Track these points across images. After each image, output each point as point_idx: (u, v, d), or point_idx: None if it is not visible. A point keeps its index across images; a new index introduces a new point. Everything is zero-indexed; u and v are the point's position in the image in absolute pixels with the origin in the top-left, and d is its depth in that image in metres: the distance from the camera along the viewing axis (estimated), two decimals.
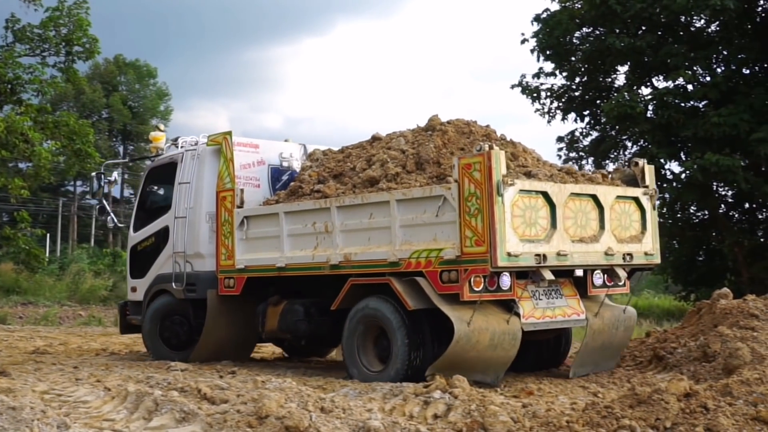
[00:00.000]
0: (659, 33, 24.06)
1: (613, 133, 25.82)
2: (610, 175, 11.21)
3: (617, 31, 23.97)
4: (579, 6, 25.33)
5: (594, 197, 10.43)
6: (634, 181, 11.13)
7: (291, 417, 6.86)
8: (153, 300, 13.55)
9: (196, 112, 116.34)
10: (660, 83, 25.13)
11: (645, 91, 25.09)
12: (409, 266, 10.11)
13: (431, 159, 10.71)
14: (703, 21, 24.86)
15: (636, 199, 10.93)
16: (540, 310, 10.28)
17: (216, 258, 12.55)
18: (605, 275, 10.73)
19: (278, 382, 9.42)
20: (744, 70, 24.43)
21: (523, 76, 26.24)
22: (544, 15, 26.07)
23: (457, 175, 9.71)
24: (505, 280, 9.77)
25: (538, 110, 26.35)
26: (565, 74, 26.25)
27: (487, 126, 11.41)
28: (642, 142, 25.45)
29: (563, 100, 26.89)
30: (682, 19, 24.19)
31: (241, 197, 12.32)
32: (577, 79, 26.18)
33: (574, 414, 7.30)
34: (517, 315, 10.06)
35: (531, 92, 26.14)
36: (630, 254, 10.67)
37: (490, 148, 9.50)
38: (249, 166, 12.68)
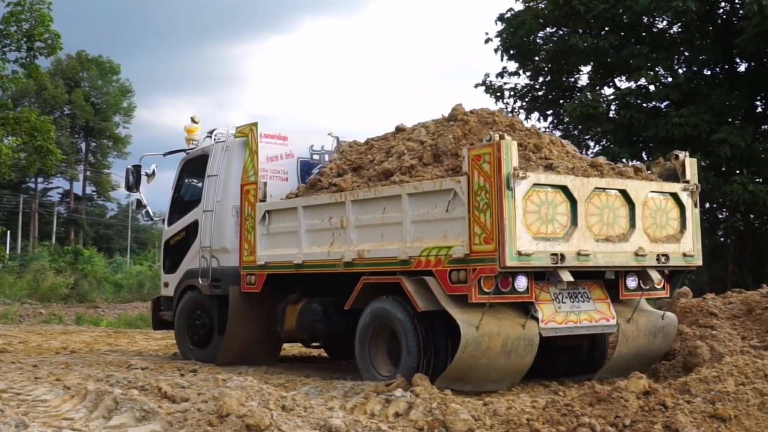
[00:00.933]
0: (622, 34, 24.32)
1: (575, 132, 25.99)
2: (648, 169, 10.52)
3: (580, 31, 24.18)
4: (542, 6, 25.57)
5: (623, 192, 9.83)
6: (674, 175, 10.47)
7: (252, 415, 6.94)
8: (182, 296, 13.57)
9: (161, 109, 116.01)
10: (622, 83, 25.50)
11: (607, 91, 25.50)
12: (419, 264, 9.72)
13: (449, 151, 10.28)
14: (665, 22, 25.09)
15: (674, 195, 10.26)
16: (563, 314, 9.65)
17: (239, 253, 12.41)
18: (639, 278, 10.07)
19: (239, 380, 9.42)
20: (705, 72, 24.69)
21: (487, 75, 26.57)
22: (508, 15, 26.33)
23: (467, 167, 9.31)
24: (521, 281, 9.23)
25: (501, 109, 26.29)
26: (528, 74, 26.53)
27: (513, 116, 11.12)
28: (604, 142, 25.64)
29: (527, 99, 27.17)
30: (645, 20, 24.41)
31: (264, 191, 12.14)
32: (541, 79, 26.42)
33: (534, 412, 7.56)
34: (535, 319, 9.48)
35: (495, 91, 26.32)
36: (666, 255, 9.99)
37: (501, 137, 9.05)
38: (276, 159, 12.44)
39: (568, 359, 10.71)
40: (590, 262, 9.42)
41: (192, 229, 13.48)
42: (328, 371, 12.06)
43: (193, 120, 14.06)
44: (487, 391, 9.19)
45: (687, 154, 10.45)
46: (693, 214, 10.28)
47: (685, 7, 22.04)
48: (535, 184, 9.12)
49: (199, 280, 12.96)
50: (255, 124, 12.47)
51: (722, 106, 22.77)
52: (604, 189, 9.64)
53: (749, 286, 15.85)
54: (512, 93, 27.10)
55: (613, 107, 24.38)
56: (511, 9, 26.71)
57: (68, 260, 41.24)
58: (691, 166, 10.41)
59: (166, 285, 14.16)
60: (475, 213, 9.09)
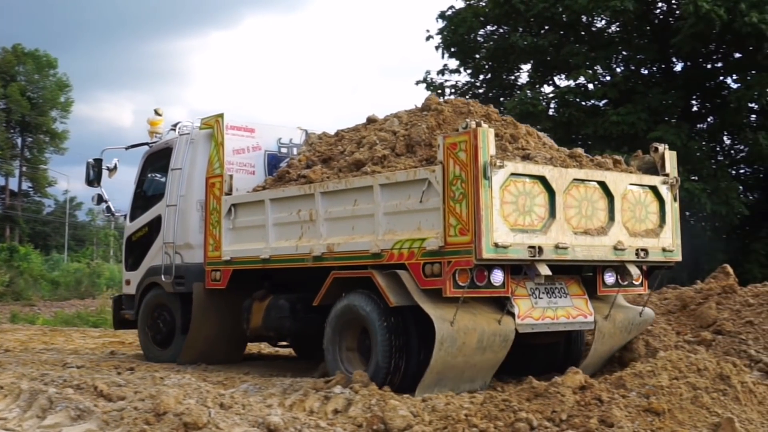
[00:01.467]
0: (561, 33, 24.25)
1: None
2: (628, 162, 10.11)
3: (520, 29, 24.22)
4: (483, 4, 25.48)
5: (602, 184, 9.29)
6: (654, 169, 9.98)
7: (189, 413, 6.69)
8: (145, 294, 12.88)
9: (100, 104, 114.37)
10: (561, 82, 25.22)
11: (547, 89, 25.41)
12: (392, 258, 9.10)
13: (423, 141, 9.70)
14: (603, 22, 25.03)
15: (654, 189, 9.76)
16: (539, 310, 9.15)
17: (204, 249, 11.73)
18: (617, 273, 9.62)
19: (177, 378, 9.25)
20: (642, 71, 24.75)
21: (428, 72, 26.42)
22: (449, 12, 26.22)
23: (442, 155, 8.70)
24: (497, 275, 8.67)
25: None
26: (469, 71, 26.39)
27: (489, 106, 10.42)
28: None
29: (467, 97, 26.82)
30: (584, 19, 24.46)
31: (230, 184, 11.49)
32: (481, 77, 26.32)
33: (472, 407, 7.32)
34: (511, 314, 8.94)
35: (435, 89, 26.22)
36: (645, 250, 9.48)
37: (478, 125, 8.46)
38: (242, 152, 11.85)
39: (545, 357, 10.20)
40: (568, 255, 8.87)
41: (155, 225, 12.78)
42: (271, 368, 11.51)
43: (156, 112, 13.44)
44: (463, 392, 8.60)
45: (666, 146, 9.98)
46: (673, 208, 9.82)
47: (623, 6, 22.13)
48: (512, 174, 8.56)
49: (162, 277, 12.25)
50: (221, 116, 11.83)
51: (659, 105, 22.61)
52: (582, 180, 9.12)
53: (684, 282, 16.15)
54: (453, 90, 27.12)
55: (552, 105, 24.56)
56: (452, 7, 26.40)
57: (3, 257, 39.55)
58: (670, 159, 9.93)
59: (128, 283, 13.40)
60: (450, 203, 8.53)
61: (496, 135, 8.92)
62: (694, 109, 24.52)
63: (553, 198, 8.84)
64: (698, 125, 24.14)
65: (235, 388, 9.21)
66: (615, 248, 9.24)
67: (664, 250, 9.69)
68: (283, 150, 12.22)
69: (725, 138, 23.45)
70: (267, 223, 10.68)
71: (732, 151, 24.00)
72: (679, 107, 22.73)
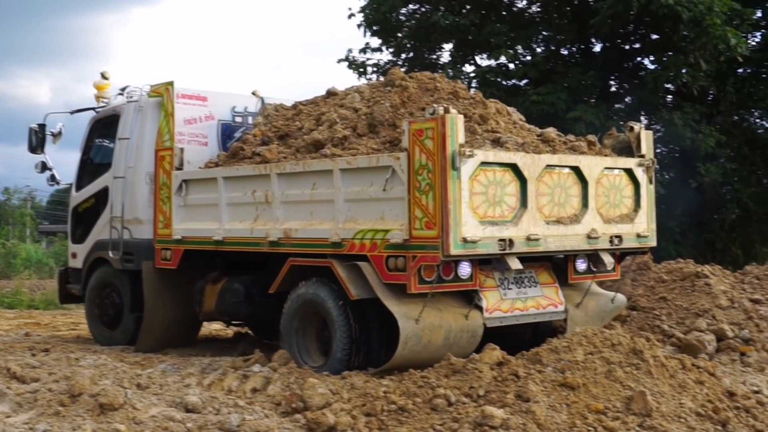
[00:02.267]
0: (483, 12, 24.16)
1: None
2: (600, 142, 9.34)
3: (442, 9, 24.22)
4: None
5: (576, 170, 8.47)
6: (628, 149, 9.19)
7: (105, 394, 6.41)
8: (92, 269, 11.89)
9: (16, 80, 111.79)
10: (483, 61, 24.60)
11: (468, 68, 25.34)
12: (353, 248, 8.19)
13: (386, 120, 8.76)
14: (524, 2, 24.67)
15: (629, 171, 8.98)
16: (508, 302, 8.46)
17: (153, 226, 10.74)
18: (589, 260, 8.90)
19: (93, 359, 8.98)
20: (562, 51, 24.27)
21: (350, 50, 26.06)
22: None
23: (408, 142, 7.75)
24: (465, 268, 7.93)
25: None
26: (391, 50, 26.13)
27: (457, 82, 9.66)
28: None
29: None
30: None
31: (181, 157, 10.46)
32: (404, 56, 25.97)
33: (391, 384, 7.07)
34: (479, 308, 8.21)
35: (357, 67, 26.08)
36: (619, 236, 8.79)
37: (446, 111, 7.54)
38: (194, 121, 10.86)
39: (509, 345, 8.87)
40: (540, 247, 8.13)
41: (102, 197, 11.75)
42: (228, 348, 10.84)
43: (103, 76, 12.38)
44: None
45: (642, 126, 9.29)
46: (648, 191, 9.11)
47: None
48: (482, 163, 7.73)
49: (110, 252, 11.26)
50: (171, 83, 10.73)
51: (578, 85, 21.72)
52: (556, 166, 8.31)
53: None
54: (375, 69, 27.05)
55: (474, 84, 24.68)
56: None
57: None
58: (647, 139, 9.18)
59: (74, 256, 12.43)
60: (415, 194, 7.68)
61: (465, 116, 8.07)
62: (613, 89, 24.31)
63: (525, 186, 8.08)
64: (616, 105, 24.07)
65: (152, 368, 8.81)
66: (588, 236, 8.52)
67: (638, 236, 9.03)
68: (238, 119, 11.23)
69: (642, 118, 23.53)
70: (220, 202, 9.73)
71: (643, 125, 24.49)
72: (598, 87, 22.62)
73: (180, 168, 10.41)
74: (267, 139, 9.83)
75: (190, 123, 10.78)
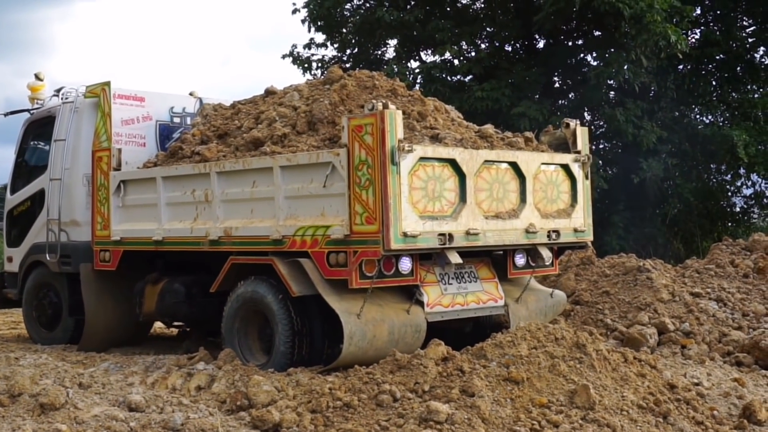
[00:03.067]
0: (427, 8, 24.32)
1: None
2: (537, 139, 9.43)
3: (387, 4, 24.21)
4: None
5: (514, 165, 8.58)
6: (565, 146, 9.32)
7: (46, 394, 6.39)
8: (29, 273, 11.72)
9: None
10: (428, 57, 24.82)
11: (413, 64, 25.43)
12: (294, 245, 8.20)
13: (326, 118, 8.81)
14: None
15: (565, 167, 9.12)
16: (449, 297, 8.52)
17: (91, 227, 10.61)
18: (528, 255, 9.02)
19: (33, 358, 8.83)
20: (506, 47, 24.75)
21: (294, 46, 26.03)
22: None
23: (347, 138, 7.80)
24: (405, 264, 8.00)
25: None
26: (336, 46, 26.13)
27: (395, 80, 9.74)
28: None
29: None
30: None
31: (119, 158, 10.34)
32: (348, 51, 26.02)
33: (336, 381, 7.08)
34: (420, 303, 8.28)
35: (302, 63, 25.98)
36: (557, 231, 8.92)
37: (384, 106, 7.61)
38: (132, 122, 10.74)
39: (450, 340, 8.85)
40: (480, 241, 8.22)
41: (38, 199, 11.59)
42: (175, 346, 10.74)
43: (37, 77, 12.19)
44: None
45: (578, 122, 9.40)
46: (584, 187, 9.26)
47: None
48: (421, 158, 7.81)
49: (47, 255, 11.10)
50: (107, 84, 10.62)
51: (522, 81, 21.85)
52: (494, 161, 8.41)
53: None
54: (319, 65, 27.00)
55: (419, 80, 24.77)
56: None
57: None
58: (582, 136, 9.31)
59: (10, 260, 12.23)
60: (356, 190, 7.73)
61: (403, 113, 8.19)
62: (556, 85, 24.53)
63: (464, 181, 8.17)
64: (560, 101, 24.29)
65: (95, 367, 8.72)
66: (527, 231, 8.64)
67: (575, 230, 9.17)
68: (176, 120, 11.17)
69: (585, 114, 23.80)
70: (159, 202, 9.68)
71: (592, 127, 24.66)
72: (542, 83, 22.76)
73: (118, 169, 10.34)
74: (206, 139, 9.82)
75: (128, 123, 10.70)
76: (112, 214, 10.28)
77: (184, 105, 11.29)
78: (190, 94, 11.50)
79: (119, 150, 10.43)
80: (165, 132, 10.98)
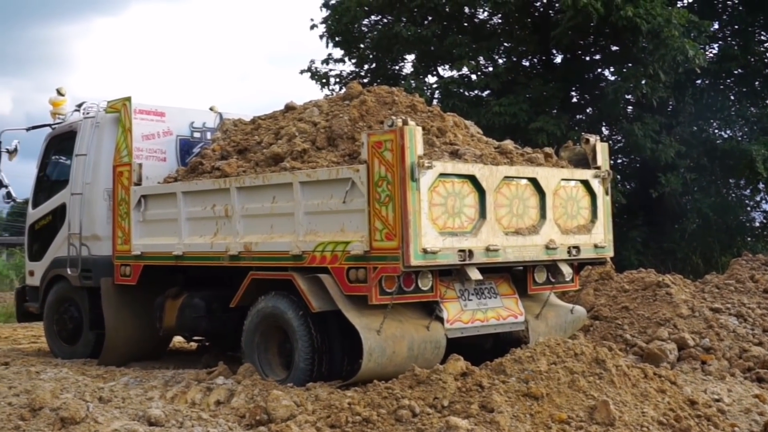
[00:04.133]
0: (444, 23, 24.31)
1: None
2: (557, 154, 9.39)
3: (404, 19, 24.33)
4: None
5: (534, 181, 8.55)
6: (584, 160, 9.27)
7: (66, 408, 6.34)
8: (50, 287, 11.75)
9: None
10: (445, 72, 24.56)
11: (431, 79, 25.43)
12: (314, 261, 8.19)
13: (345, 134, 8.82)
14: (485, 13, 25.10)
15: (585, 183, 9.09)
16: (469, 313, 8.47)
17: (112, 242, 10.63)
18: (548, 271, 8.95)
19: (54, 372, 8.88)
20: (523, 62, 24.29)
21: (312, 61, 26.12)
22: (333, 1, 25.18)
23: (367, 154, 7.80)
24: (425, 279, 8.01)
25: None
26: (353, 61, 26.08)
27: (415, 95, 9.73)
28: None
29: None
30: (466, 10, 24.71)
31: (139, 173, 10.36)
32: (366, 66, 26.10)
33: (356, 396, 7.07)
34: (440, 319, 8.22)
35: (320, 78, 26.00)
36: (577, 247, 8.86)
37: (404, 123, 7.59)
38: (152, 137, 10.75)
39: (470, 356, 8.77)
40: (500, 257, 8.18)
41: (59, 213, 11.63)
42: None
43: (59, 92, 12.27)
44: None
45: (598, 138, 9.34)
46: (604, 202, 9.20)
47: None
48: (441, 174, 7.79)
49: (68, 270, 11.14)
50: (128, 99, 10.66)
51: (539, 96, 21.80)
52: (514, 177, 8.38)
53: None
54: (337, 80, 27.04)
55: (436, 95, 24.76)
56: None
57: None
58: (602, 151, 9.26)
59: (32, 274, 12.28)
60: (375, 206, 7.70)
61: (423, 129, 8.14)
62: (574, 100, 24.49)
63: (484, 198, 8.13)
64: (578, 116, 24.24)
65: (114, 381, 8.75)
66: (547, 247, 8.58)
67: (596, 246, 9.09)
68: (196, 134, 11.17)
69: (603, 129, 23.77)
70: (179, 217, 9.68)
71: (610, 142, 24.66)
72: (559, 98, 22.75)
73: (139, 183, 10.38)
74: (226, 154, 9.85)
75: (148, 138, 10.72)
76: (133, 229, 10.31)
77: (204, 120, 11.31)
78: (210, 109, 11.52)
79: (140, 165, 10.45)
80: (185, 147, 11.00)
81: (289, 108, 10.07)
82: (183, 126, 11.10)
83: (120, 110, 10.79)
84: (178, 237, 9.71)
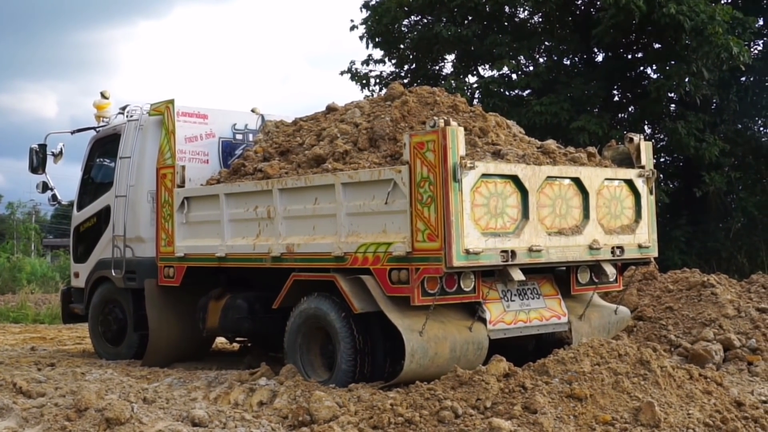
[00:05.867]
0: (485, 23, 24.05)
1: None
2: (600, 154, 9.31)
3: (444, 20, 24.25)
4: None
5: (577, 181, 8.46)
6: (628, 159, 9.18)
7: (112, 408, 6.40)
8: (95, 288, 11.87)
9: (22, 94, 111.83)
10: (486, 72, 24.23)
11: (471, 79, 25.30)
12: (356, 262, 8.18)
13: (387, 135, 8.80)
14: (526, 12, 24.52)
15: (629, 182, 8.97)
16: (512, 314, 8.42)
17: (156, 243, 10.73)
18: (592, 271, 8.89)
19: (99, 373, 8.98)
20: (564, 61, 23.89)
21: (353, 62, 26.06)
22: (373, 2, 24.98)
23: (409, 155, 7.77)
24: (468, 280, 7.99)
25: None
26: (394, 61, 25.94)
27: (456, 95, 9.66)
28: None
29: None
30: (506, 9, 24.48)
31: (182, 175, 10.45)
32: (406, 67, 25.90)
33: (398, 397, 7.04)
34: (483, 320, 8.17)
35: (360, 79, 25.70)
36: (621, 247, 8.76)
37: (446, 123, 7.55)
38: (195, 139, 10.84)
39: (513, 357, 8.70)
40: (542, 258, 8.11)
41: (104, 216, 11.78)
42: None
43: (103, 95, 12.40)
44: None
45: (642, 137, 9.24)
46: (648, 202, 9.08)
47: None
48: (483, 175, 7.73)
49: (112, 271, 11.26)
50: (171, 102, 10.74)
51: (581, 95, 21.65)
52: (556, 178, 8.30)
53: None
54: (378, 81, 27.01)
55: (476, 95, 24.67)
56: None
57: None
58: (646, 150, 9.15)
59: (77, 275, 12.42)
60: (417, 207, 7.67)
61: (465, 129, 8.09)
62: (616, 99, 24.10)
63: (526, 198, 8.07)
64: (619, 115, 23.95)
65: (158, 382, 8.81)
66: (590, 247, 8.49)
67: (640, 246, 8.98)
68: (239, 136, 11.24)
69: (646, 127, 23.57)
70: (222, 218, 9.73)
71: (653, 140, 24.53)
72: (601, 97, 22.57)
73: (182, 186, 10.46)
74: (268, 155, 9.88)
75: (191, 141, 10.81)
76: (176, 231, 10.38)
77: (247, 122, 11.36)
78: (252, 110, 11.58)
79: (183, 167, 10.53)
80: (227, 149, 11.08)
81: (331, 109, 10.08)
82: (225, 128, 11.18)
83: (163, 113, 10.87)
84: (220, 238, 9.76)
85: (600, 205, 8.68)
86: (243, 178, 9.79)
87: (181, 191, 10.39)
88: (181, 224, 10.38)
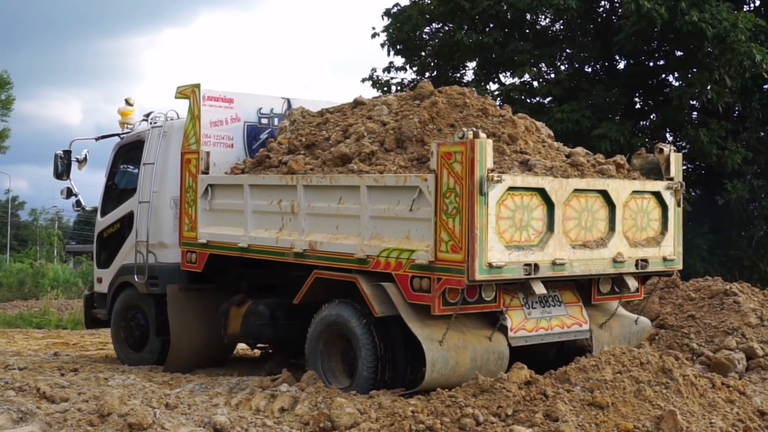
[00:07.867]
0: (506, 30, 23.90)
1: None
2: (628, 164, 9.14)
3: (465, 27, 24.23)
4: (428, 2, 25.39)
5: (604, 193, 8.34)
6: (656, 170, 9.03)
7: (134, 414, 6.44)
8: (117, 293, 11.92)
9: (47, 101, 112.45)
10: (507, 79, 24.17)
11: (492, 86, 25.15)
12: (378, 266, 8.11)
13: (414, 136, 8.68)
14: (547, 20, 24.25)
15: (657, 194, 8.83)
16: (533, 321, 8.37)
17: (179, 228, 10.73)
18: (614, 282, 8.81)
19: (121, 378, 9.00)
20: (586, 68, 23.90)
21: (374, 69, 26.11)
22: (395, 10, 25.09)
23: (436, 164, 7.66)
24: (489, 290, 7.93)
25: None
26: (415, 69, 25.97)
27: (486, 98, 9.48)
28: None
29: None
30: (528, 17, 24.21)
31: (207, 161, 10.37)
32: (427, 74, 25.91)
33: (419, 404, 7.05)
34: (503, 329, 8.12)
35: (381, 86, 25.37)
36: (645, 260, 8.63)
37: (475, 135, 7.44)
38: (220, 123, 10.76)
39: (534, 364, 8.62)
40: (566, 271, 8.02)
41: (127, 221, 11.78)
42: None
43: (127, 102, 12.46)
44: None
45: (673, 148, 9.09)
46: (675, 214, 8.92)
47: (566, 5, 21.96)
48: (510, 188, 7.64)
49: (135, 277, 11.27)
50: (197, 86, 10.63)
51: (602, 102, 21.65)
52: (583, 190, 8.20)
53: None
54: (399, 88, 26.69)
55: (498, 102, 24.71)
56: (397, 4, 25.32)
57: None
58: (676, 162, 8.99)
59: (100, 281, 12.44)
60: (442, 217, 7.58)
61: (493, 135, 8.06)
62: (637, 106, 23.99)
63: (552, 211, 7.97)
64: (641, 122, 23.87)
65: (180, 387, 8.81)
66: (614, 260, 8.39)
67: (664, 259, 8.86)
68: (264, 121, 11.15)
69: (668, 135, 23.48)
70: (246, 209, 9.68)
71: (674, 148, 24.44)
72: (623, 104, 22.48)
73: (206, 172, 10.38)
74: (293, 148, 9.77)
75: (216, 125, 10.71)
76: (200, 217, 10.34)
77: (272, 106, 11.25)
78: (280, 96, 11.51)
79: (207, 153, 10.46)
80: (252, 133, 10.98)
81: (358, 103, 9.94)
82: (251, 112, 11.06)
83: (189, 97, 10.77)
84: (243, 228, 9.71)
85: (626, 218, 8.55)
86: (267, 169, 9.70)
87: (206, 178, 10.34)
88: (205, 211, 10.32)
